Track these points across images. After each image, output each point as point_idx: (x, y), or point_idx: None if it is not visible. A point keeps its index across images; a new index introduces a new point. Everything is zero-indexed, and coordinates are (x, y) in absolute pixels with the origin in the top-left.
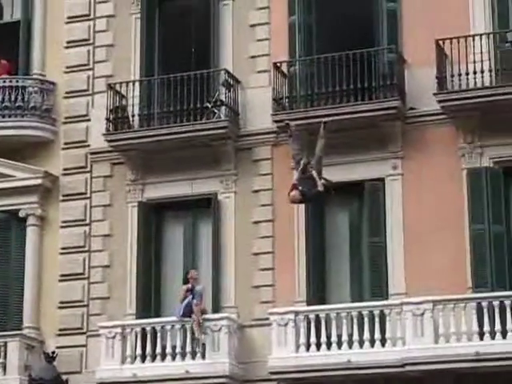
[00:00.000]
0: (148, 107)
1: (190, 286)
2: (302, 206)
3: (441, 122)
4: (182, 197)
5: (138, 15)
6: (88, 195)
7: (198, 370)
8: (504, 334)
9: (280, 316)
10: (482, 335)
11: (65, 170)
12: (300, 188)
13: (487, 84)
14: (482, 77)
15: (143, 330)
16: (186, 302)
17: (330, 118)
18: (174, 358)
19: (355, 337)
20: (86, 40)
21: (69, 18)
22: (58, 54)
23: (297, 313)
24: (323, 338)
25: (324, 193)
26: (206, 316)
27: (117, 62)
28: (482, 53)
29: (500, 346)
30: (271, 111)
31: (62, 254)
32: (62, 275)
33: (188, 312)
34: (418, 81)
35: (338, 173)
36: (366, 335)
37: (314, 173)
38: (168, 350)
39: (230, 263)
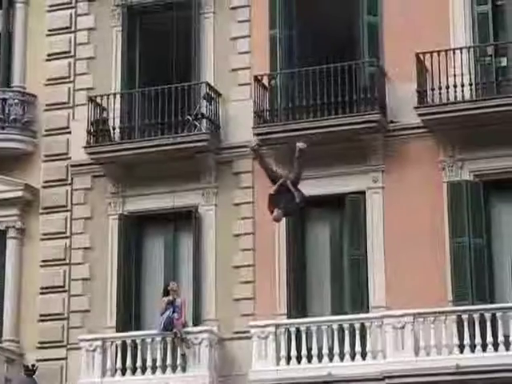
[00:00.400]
0: (129, 120)
1: (170, 298)
2: (283, 220)
3: (421, 136)
4: (163, 209)
5: (119, 28)
6: (68, 208)
7: (179, 382)
8: (484, 346)
9: (260, 329)
10: (462, 348)
11: (45, 182)
12: (281, 206)
13: (467, 98)
14: (463, 90)
15: (123, 342)
16: (166, 314)
17: (305, 144)
18: (154, 371)
19: (336, 350)
20: (66, 52)
21: (50, 30)
22: (38, 66)
23: (277, 325)
24: (304, 351)
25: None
26: (187, 329)
27: (98, 75)
28: (462, 66)
29: (480, 359)
30: (252, 124)
31: (42, 266)
32: (42, 288)
33: (168, 324)
34: (398, 94)
35: (318, 186)
36: (347, 348)
37: (290, 185)
38: (148, 363)
39: (211, 276)
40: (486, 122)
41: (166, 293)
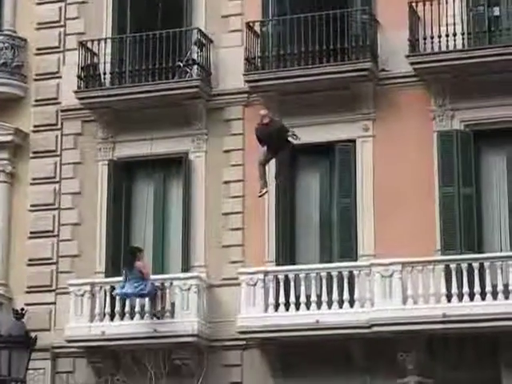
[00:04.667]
0: (119, 65)
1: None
2: (272, 164)
3: (412, 85)
4: (153, 156)
5: None
6: (58, 153)
7: (167, 328)
8: (472, 296)
9: (249, 276)
10: (449, 297)
11: (35, 127)
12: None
13: (459, 47)
14: (455, 40)
15: (112, 288)
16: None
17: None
18: (142, 317)
19: (324, 297)
20: None
21: None
22: (29, 10)
23: (266, 273)
24: (292, 299)
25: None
26: (176, 275)
27: (88, 20)
28: (454, 15)
29: (467, 307)
30: (243, 71)
31: (31, 211)
32: (32, 232)
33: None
34: (390, 43)
35: (308, 134)
36: (335, 296)
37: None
38: (137, 308)
39: (200, 223)
40: (478, 71)
41: (133, 259)
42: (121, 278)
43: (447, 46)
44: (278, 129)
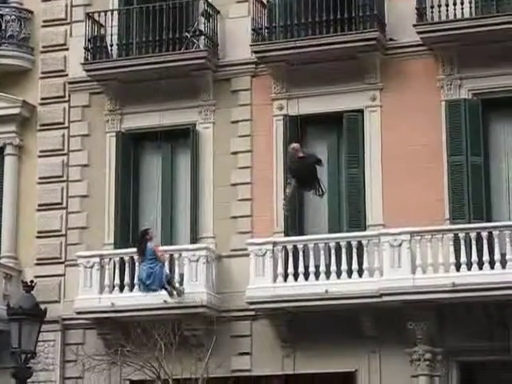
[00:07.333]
0: (126, 37)
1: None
2: (280, 135)
3: (420, 54)
4: (161, 127)
5: None
6: (66, 125)
7: (176, 299)
8: (480, 265)
9: (258, 246)
10: (458, 266)
11: (43, 99)
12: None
13: (467, 15)
14: (462, 8)
15: (121, 259)
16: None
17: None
18: None
19: (333, 267)
20: None
21: None
22: None
23: (275, 243)
24: (301, 269)
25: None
26: (184, 246)
27: None
28: None
29: (476, 276)
30: (250, 42)
31: (39, 183)
32: (40, 205)
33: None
34: (397, 12)
35: (316, 104)
36: (344, 266)
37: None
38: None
39: (209, 194)
40: (485, 40)
41: (142, 240)
42: (129, 250)
43: (455, 15)
44: (311, 163)
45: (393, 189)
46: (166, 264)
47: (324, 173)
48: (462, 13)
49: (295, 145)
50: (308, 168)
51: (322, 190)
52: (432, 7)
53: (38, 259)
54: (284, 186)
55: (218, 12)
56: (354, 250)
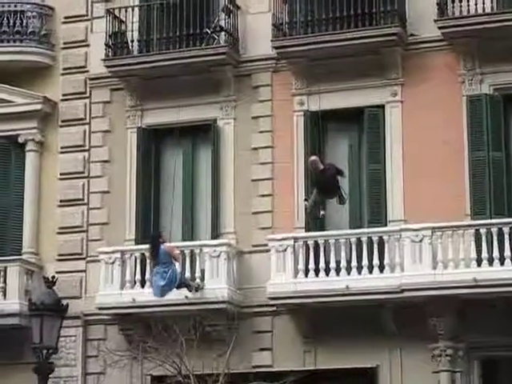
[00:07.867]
0: (147, 33)
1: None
2: (301, 130)
3: (441, 49)
4: (182, 123)
5: None
6: (87, 121)
7: (197, 295)
8: (502, 260)
9: (279, 242)
10: (479, 262)
11: (64, 95)
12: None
13: (488, 10)
14: (483, 3)
15: (143, 255)
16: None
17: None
18: None
19: (354, 263)
20: None
21: None
22: None
23: (296, 239)
24: (322, 264)
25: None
26: (205, 242)
27: None
28: None
29: (498, 272)
30: (271, 37)
31: (61, 179)
32: (61, 201)
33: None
34: (418, 7)
35: (337, 99)
36: (365, 261)
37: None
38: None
39: (230, 189)
40: (507, 34)
41: (156, 242)
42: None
43: (476, 10)
44: (332, 174)
45: (414, 184)
46: (178, 264)
47: (345, 168)
48: (484, 7)
49: (314, 158)
50: (330, 179)
51: (343, 198)
52: (453, 2)
53: (60, 255)
54: (305, 181)
55: (239, 8)
56: (375, 246)
